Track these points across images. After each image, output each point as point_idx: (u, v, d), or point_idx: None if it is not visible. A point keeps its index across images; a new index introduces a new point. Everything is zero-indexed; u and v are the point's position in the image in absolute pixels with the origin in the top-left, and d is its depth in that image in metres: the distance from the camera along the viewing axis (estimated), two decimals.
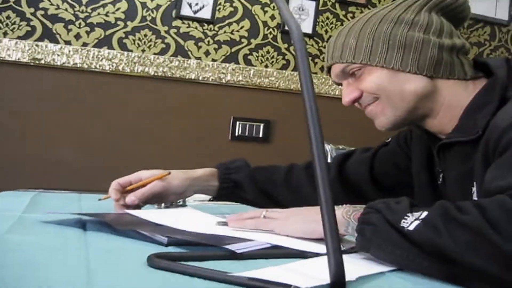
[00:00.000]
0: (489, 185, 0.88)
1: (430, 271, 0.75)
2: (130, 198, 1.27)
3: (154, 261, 0.72)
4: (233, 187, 1.45)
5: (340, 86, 1.22)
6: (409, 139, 1.36)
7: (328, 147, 1.59)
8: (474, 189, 1.04)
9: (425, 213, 0.77)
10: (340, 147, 1.60)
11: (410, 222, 0.77)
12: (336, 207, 0.90)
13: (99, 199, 1.36)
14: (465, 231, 0.72)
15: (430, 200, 1.20)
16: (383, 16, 1.14)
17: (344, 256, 0.60)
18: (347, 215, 0.89)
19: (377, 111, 1.15)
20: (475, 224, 0.72)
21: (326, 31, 3.17)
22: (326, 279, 0.59)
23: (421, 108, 1.13)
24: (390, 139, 1.42)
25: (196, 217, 1.18)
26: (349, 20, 3.13)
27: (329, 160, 1.75)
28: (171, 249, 0.85)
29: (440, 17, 1.15)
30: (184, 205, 1.46)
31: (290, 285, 0.60)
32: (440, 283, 0.73)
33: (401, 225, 0.77)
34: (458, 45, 1.13)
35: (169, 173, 1.32)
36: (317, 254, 0.83)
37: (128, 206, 1.27)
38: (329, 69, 1.22)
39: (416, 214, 0.77)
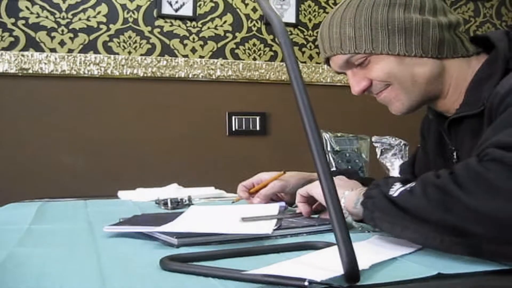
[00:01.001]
0: (481, 146, 0.90)
1: (416, 235, 0.79)
2: (256, 200, 1.41)
3: (167, 264, 0.72)
4: None
5: (340, 75, 1.23)
6: (425, 132, 1.37)
7: (326, 135, 1.59)
8: None
9: (412, 183, 0.82)
10: (339, 134, 1.60)
11: (396, 189, 0.82)
12: (350, 190, 1.01)
13: (232, 202, 1.52)
14: (436, 191, 0.76)
15: None
16: (374, 0, 1.13)
17: (355, 245, 0.61)
18: (360, 193, 0.95)
19: (391, 97, 1.16)
20: (444, 184, 0.76)
21: (310, 19, 3.17)
22: (339, 270, 0.60)
23: (432, 90, 1.14)
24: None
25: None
26: (331, 7, 3.14)
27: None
28: (182, 250, 0.85)
29: None
30: (191, 203, 1.48)
31: (305, 279, 0.61)
32: (452, 263, 0.74)
33: (389, 193, 0.82)
34: (454, 22, 1.14)
35: (284, 172, 1.44)
36: (328, 244, 0.84)
37: None
38: (327, 59, 1.22)
39: (407, 186, 0.82)
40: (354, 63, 1.15)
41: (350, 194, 1.01)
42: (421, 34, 1.10)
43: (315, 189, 1.11)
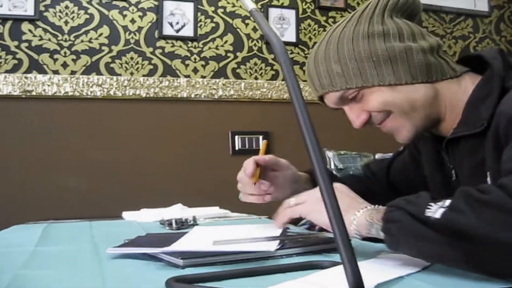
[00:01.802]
0: (507, 164, 0.90)
1: (459, 257, 0.75)
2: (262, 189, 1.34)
3: (173, 285, 0.72)
4: None
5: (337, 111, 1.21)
6: (417, 142, 1.37)
7: (329, 153, 1.60)
8: (488, 179, 1.04)
9: (448, 201, 0.78)
10: (342, 152, 1.61)
11: (435, 210, 0.77)
12: (357, 211, 0.93)
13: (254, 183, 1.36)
14: (489, 209, 0.73)
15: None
16: (352, 34, 1.12)
17: (361, 263, 0.61)
18: (370, 218, 0.89)
19: (396, 125, 1.15)
20: (498, 200, 0.74)
21: (310, 38, 3.19)
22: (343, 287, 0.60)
23: (432, 113, 1.13)
24: (402, 148, 1.42)
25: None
26: (331, 25, 3.15)
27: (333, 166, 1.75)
28: (187, 271, 0.85)
29: (402, 20, 1.15)
30: (195, 224, 1.48)
31: None
32: (459, 281, 0.74)
33: (426, 215, 0.77)
34: (435, 45, 1.14)
35: (267, 144, 1.44)
36: (334, 264, 0.84)
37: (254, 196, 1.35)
38: (320, 97, 1.21)
39: (439, 203, 0.78)
40: (348, 98, 1.15)
41: (359, 218, 0.94)
42: (406, 61, 1.09)
43: (315, 215, 1.01)
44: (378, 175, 1.49)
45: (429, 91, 1.11)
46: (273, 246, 0.94)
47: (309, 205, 1.01)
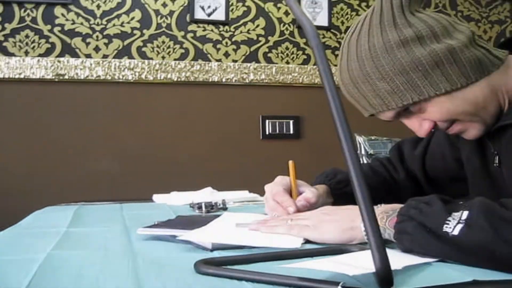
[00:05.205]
0: None
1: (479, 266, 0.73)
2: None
3: (201, 267, 0.72)
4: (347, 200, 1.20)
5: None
6: None
7: (360, 139, 1.58)
8: None
9: (465, 213, 0.75)
10: (373, 138, 1.59)
11: (453, 226, 0.74)
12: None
13: None
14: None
15: (485, 186, 1.18)
16: (384, 45, 1.04)
17: (388, 250, 0.60)
18: (382, 222, 0.87)
19: (465, 127, 1.10)
20: None
21: (343, 22, 3.16)
22: (372, 268, 0.60)
23: (494, 108, 1.08)
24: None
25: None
26: (364, 10, 3.12)
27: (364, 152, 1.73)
28: (216, 254, 0.86)
29: (425, 13, 1.07)
30: (225, 208, 1.48)
31: (338, 283, 0.60)
32: (490, 272, 0.72)
33: (444, 230, 0.75)
34: (470, 34, 1.06)
35: (294, 164, 1.29)
36: (362, 248, 0.83)
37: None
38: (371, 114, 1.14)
39: (456, 215, 0.75)
40: (405, 113, 1.09)
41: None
42: (454, 62, 1.02)
43: (314, 235, 0.96)
44: (409, 159, 1.46)
45: (485, 86, 1.05)
46: (298, 242, 0.94)
47: (315, 231, 0.97)
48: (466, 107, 1.05)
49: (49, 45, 2.70)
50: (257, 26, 3.02)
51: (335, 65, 1.15)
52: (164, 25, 2.87)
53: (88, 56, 2.74)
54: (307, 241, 0.96)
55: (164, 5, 2.88)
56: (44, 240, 0.99)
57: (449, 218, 0.75)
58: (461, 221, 0.74)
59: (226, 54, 2.96)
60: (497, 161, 1.14)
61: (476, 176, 1.23)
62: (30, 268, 0.76)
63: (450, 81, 1.02)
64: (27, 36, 2.67)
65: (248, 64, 2.97)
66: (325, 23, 3.12)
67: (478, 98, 1.04)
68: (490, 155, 1.16)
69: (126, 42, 2.81)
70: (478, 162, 1.21)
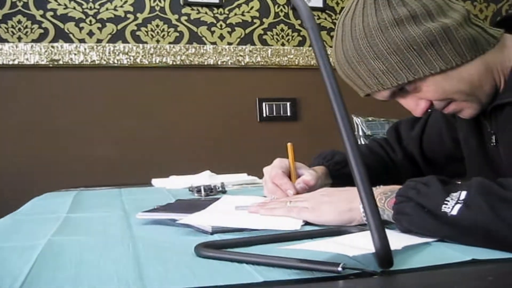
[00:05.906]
0: None
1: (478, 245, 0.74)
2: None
3: (202, 251, 0.73)
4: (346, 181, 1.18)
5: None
6: None
7: (357, 120, 1.58)
8: None
9: (464, 193, 0.75)
10: (370, 119, 1.59)
11: (452, 206, 0.74)
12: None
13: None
14: (510, 208, 0.71)
15: (482, 165, 1.18)
16: (378, 24, 1.04)
17: (388, 231, 0.61)
18: (381, 203, 0.87)
19: (461, 107, 1.10)
20: None
21: (337, 3, 3.14)
22: (372, 249, 0.60)
23: (490, 87, 1.07)
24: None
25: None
26: None
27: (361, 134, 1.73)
28: (216, 237, 0.86)
29: None
30: (224, 191, 1.49)
31: (338, 264, 0.61)
32: (489, 251, 0.72)
33: (443, 210, 0.75)
34: (465, 13, 1.06)
35: (293, 146, 1.29)
36: (361, 229, 0.84)
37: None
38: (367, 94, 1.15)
39: (454, 196, 0.75)
40: (400, 92, 1.09)
41: None
42: (448, 41, 1.02)
43: (313, 217, 0.97)
44: (406, 139, 1.46)
45: (480, 65, 1.05)
46: (298, 224, 0.94)
47: (314, 213, 0.97)
48: (461, 86, 1.05)
49: (42, 31, 2.68)
50: (252, 8, 3.00)
51: (331, 46, 1.15)
52: (157, 8, 2.85)
53: (82, 41, 2.72)
54: (306, 223, 0.96)
55: None
56: (44, 226, 0.99)
57: (448, 199, 0.76)
58: (459, 201, 0.74)
59: (221, 37, 2.94)
60: (494, 140, 1.14)
61: (473, 155, 1.23)
62: (31, 254, 0.76)
63: (445, 60, 1.02)
64: (19, 22, 2.65)
65: (244, 47, 2.96)
66: (319, 4, 3.10)
67: (473, 77, 1.05)
68: (487, 135, 1.17)
69: (119, 26, 2.79)
70: (475, 141, 1.21)
